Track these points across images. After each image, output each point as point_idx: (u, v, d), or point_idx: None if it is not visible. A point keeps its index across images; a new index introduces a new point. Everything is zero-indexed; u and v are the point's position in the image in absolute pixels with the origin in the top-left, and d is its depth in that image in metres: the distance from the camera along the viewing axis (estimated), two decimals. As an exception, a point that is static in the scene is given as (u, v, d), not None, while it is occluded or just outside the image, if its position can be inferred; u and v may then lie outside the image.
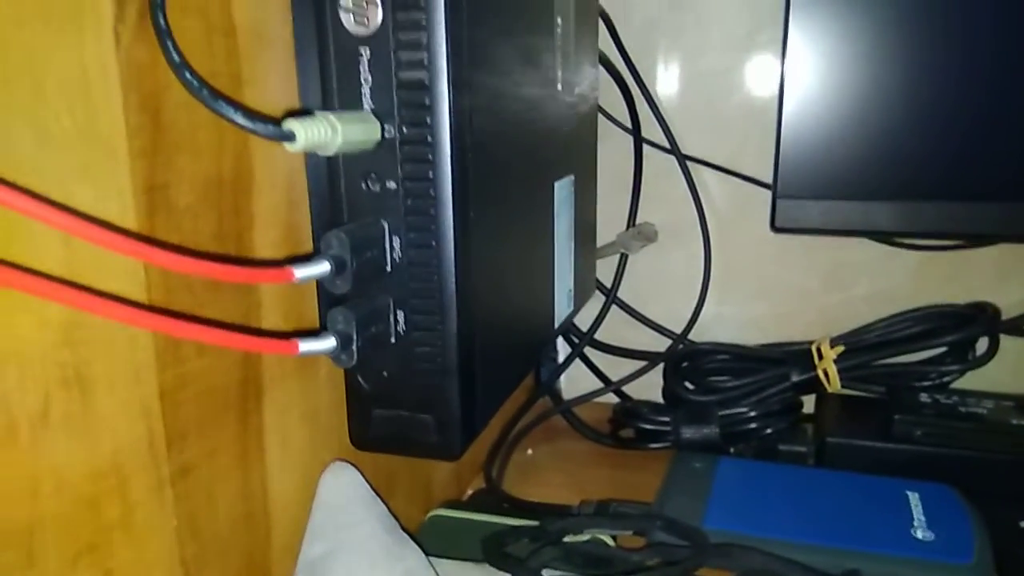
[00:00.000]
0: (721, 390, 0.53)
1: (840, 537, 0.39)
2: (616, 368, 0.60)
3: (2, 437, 0.19)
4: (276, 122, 0.22)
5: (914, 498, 0.41)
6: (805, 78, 0.47)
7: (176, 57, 0.20)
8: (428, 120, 0.26)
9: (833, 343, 0.52)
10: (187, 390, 0.25)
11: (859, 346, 0.52)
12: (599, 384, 0.60)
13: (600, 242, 0.55)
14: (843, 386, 0.51)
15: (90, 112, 0.21)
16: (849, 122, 0.47)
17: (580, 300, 0.47)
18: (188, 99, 0.24)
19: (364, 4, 0.25)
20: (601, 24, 0.53)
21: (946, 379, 0.50)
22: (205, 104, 0.21)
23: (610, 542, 0.39)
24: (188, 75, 0.20)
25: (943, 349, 0.51)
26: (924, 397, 0.48)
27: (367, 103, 0.26)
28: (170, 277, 0.24)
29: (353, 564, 0.29)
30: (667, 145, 0.58)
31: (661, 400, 0.58)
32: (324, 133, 0.23)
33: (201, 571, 0.26)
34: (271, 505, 0.30)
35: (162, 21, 0.20)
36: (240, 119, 0.21)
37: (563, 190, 0.41)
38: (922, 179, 0.46)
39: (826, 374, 0.51)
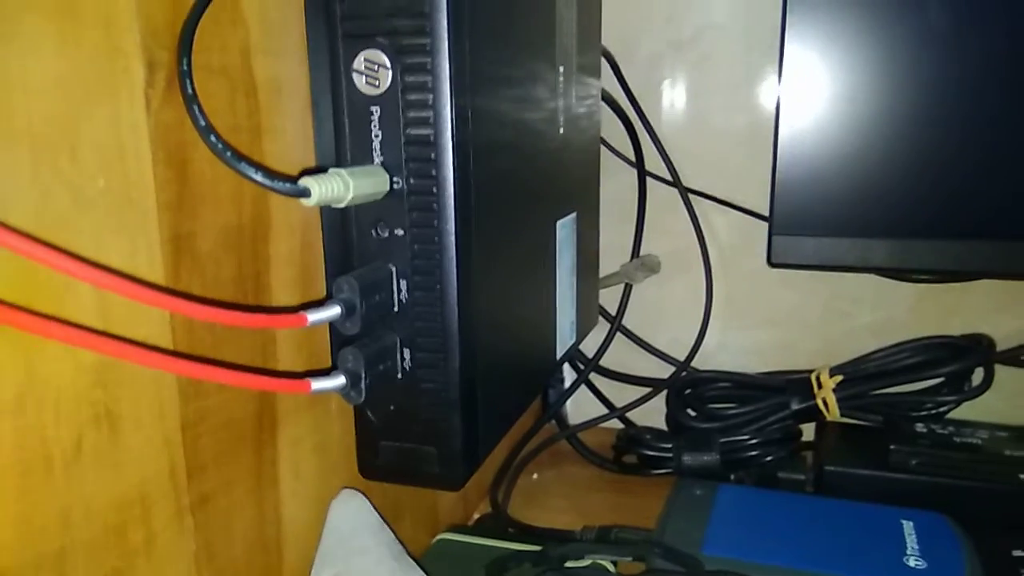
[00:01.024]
0: (722, 417, 0.54)
1: (834, 565, 0.40)
2: (620, 394, 0.62)
3: (39, 471, 0.21)
4: (293, 180, 0.24)
5: (908, 526, 0.42)
6: (800, 117, 0.49)
7: (202, 122, 0.22)
8: (433, 172, 0.27)
9: (832, 372, 0.53)
10: (207, 423, 0.27)
11: (858, 375, 0.53)
12: (604, 410, 0.62)
13: (605, 272, 0.57)
14: (842, 415, 0.52)
15: (122, 172, 0.23)
16: (844, 160, 0.48)
17: (583, 331, 0.49)
18: (211, 154, 0.26)
19: (375, 67, 0.27)
20: (604, 62, 0.55)
21: (942, 409, 0.51)
22: (228, 165, 0.23)
23: (611, 567, 0.40)
24: (213, 139, 0.22)
25: (940, 380, 0.52)
26: (920, 427, 0.49)
27: (377, 156, 0.28)
28: (193, 322, 0.26)
29: (361, 588, 0.30)
30: (669, 178, 0.59)
31: (664, 426, 0.59)
32: (337, 189, 0.24)
33: (218, 594, 0.28)
34: (284, 532, 0.31)
35: (189, 89, 0.22)
36: (260, 178, 0.22)
37: (565, 228, 0.42)
38: (916, 217, 0.48)
39: (825, 403, 0.52)
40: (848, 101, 0.48)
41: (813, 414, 0.53)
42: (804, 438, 0.55)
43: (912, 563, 0.39)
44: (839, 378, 0.52)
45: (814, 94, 0.48)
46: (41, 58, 0.21)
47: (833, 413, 0.52)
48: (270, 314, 0.23)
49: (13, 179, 0.20)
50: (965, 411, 0.51)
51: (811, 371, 0.54)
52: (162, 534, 0.25)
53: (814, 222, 0.48)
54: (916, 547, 0.40)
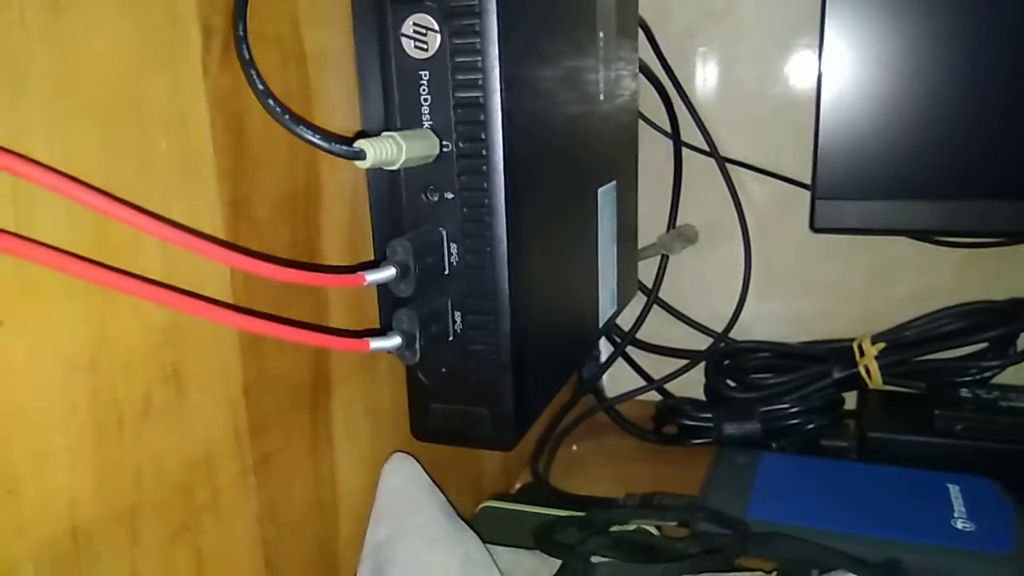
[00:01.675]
0: (763, 387, 0.54)
1: (881, 527, 0.40)
2: (658, 367, 0.62)
3: (112, 428, 0.22)
4: (348, 142, 0.24)
5: (954, 490, 0.42)
6: (842, 79, 0.48)
7: (260, 86, 0.23)
8: (483, 135, 0.28)
9: (874, 340, 0.52)
10: (267, 385, 0.27)
11: (900, 343, 0.52)
12: (641, 382, 0.62)
13: (641, 244, 0.57)
14: (884, 382, 0.52)
15: (183, 137, 0.23)
16: (887, 122, 0.48)
17: (623, 300, 0.49)
18: (265, 119, 0.26)
19: (424, 31, 0.27)
20: (640, 32, 0.54)
21: (987, 374, 0.50)
22: (287, 128, 0.23)
23: (655, 532, 0.40)
24: (271, 102, 0.22)
25: (984, 345, 0.51)
26: (965, 392, 0.49)
27: (426, 121, 0.28)
28: (252, 282, 0.26)
29: (415, 547, 0.31)
30: (706, 148, 0.59)
31: (703, 398, 0.59)
32: (390, 151, 0.25)
33: (279, 552, 0.29)
34: (339, 492, 0.32)
35: (246, 53, 0.23)
36: (318, 140, 0.23)
37: (606, 195, 0.42)
38: (962, 177, 0.47)
39: (867, 370, 0.52)
40: (889, 63, 0.47)
41: (855, 382, 0.52)
42: (846, 407, 0.54)
43: (960, 525, 0.39)
44: (881, 345, 0.52)
45: (854, 58, 0.47)
46: (105, 27, 0.21)
47: (876, 380, 0.52)
48: (329, 273, 0.24)
49: (84, 144, 0.21)
50: (1010, 375, 0.51)
51: (852, 339, 0.54)
52: (227, 492, 0.26)
53: (857, 186, 0.48)
54: (963, 510, 0.40)
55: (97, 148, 0.21)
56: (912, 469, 0.45)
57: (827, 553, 0.37)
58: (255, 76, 0.23)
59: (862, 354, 0.52)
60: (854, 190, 0.48)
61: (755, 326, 0.61)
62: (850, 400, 0.55)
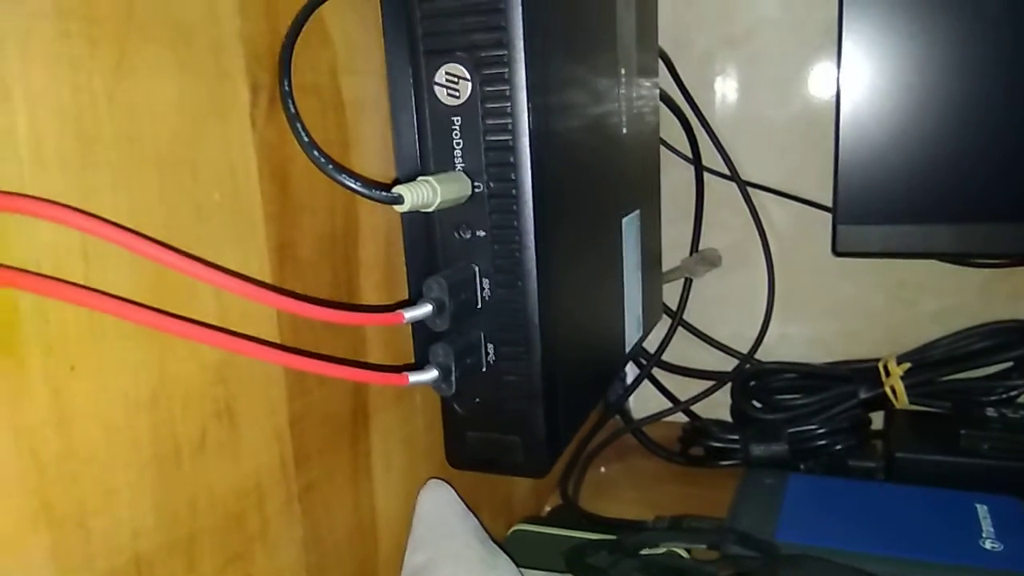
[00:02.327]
0: (789, 408, 0.55)
1: (910, 548, 0.40)
2: (683, 388, 0.63)
3: (171, 462, 0.23)
4: (387, 188, 0.25)
5: (982, 510, 0.42)
6: (860, 102, 0.49)
7: (306, 138, 0.24)
8: (512, 176, 0.29)
9: (900, 360, 0.53)
10: (311, 418, 0.29)
11: (925, 362, 0.53)
12: (667, 404, 0.62)
13: (665, 267, 0.58)
14: (911, 402, 0.52)
15: (233, 186, 0.25)
16: (907, 145, 0.48)
17: (649, 324, 0.50)
18: (308, 167, 0.28)
19: (456, 80, 0.28)
20: (660, 61, 0.56)
21: (1013, 393, 0.50)
22: (331, 177, 0.24)
23: (685, 555, 0.41)
24: (316, 153, 0.24)
25: (1009, 364, 0.51)
26: (991, 411, 0.49)
27: (459, 163, 0.30)
28: (297, 321, 0.28)
29: (452, 572, 0.32)
30: (727, 172, 0.60)
31: (729, 419, 0.60)
32: (426, 195, 0.26)
33: (323, 577, 0.30)
34: (378, 519, 0.33)
35: (292, 107, 0.24)
36: (360, 188, 0.24)
37: (630, 224, 0.44)
38: (981, 201, 0.48)
39: (893, 391, 0.52)
40: (907, 87, 0.48)
41: (881, 402, 0.53)
42: (873, 427, 0.55)
43: (988, 545, 0.39)
44: (907, 366, 0.52)
45: (873, 82, 0.48)
46: (163, 85, 0.23)
47: (902, 401, 0.52)
48: (370, 313, 0.25)
49: (145, 197, 0.22)
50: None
51: (877, 360, 0.54)
52: (275, 520, 0.27)
53: (878, 210, 0.49)
54: (992, 530, 0.41)
55: (156, 201, 0.22)
56: (940, 489, 0.45)
57: (857, 575, 0.37)
58: (301, 129, 0.24)
59: (888, 374, 0.53)
60: (875, 214, 0.49)
61: (779, 347, 0.62)
62: (876, 421, 0.55)
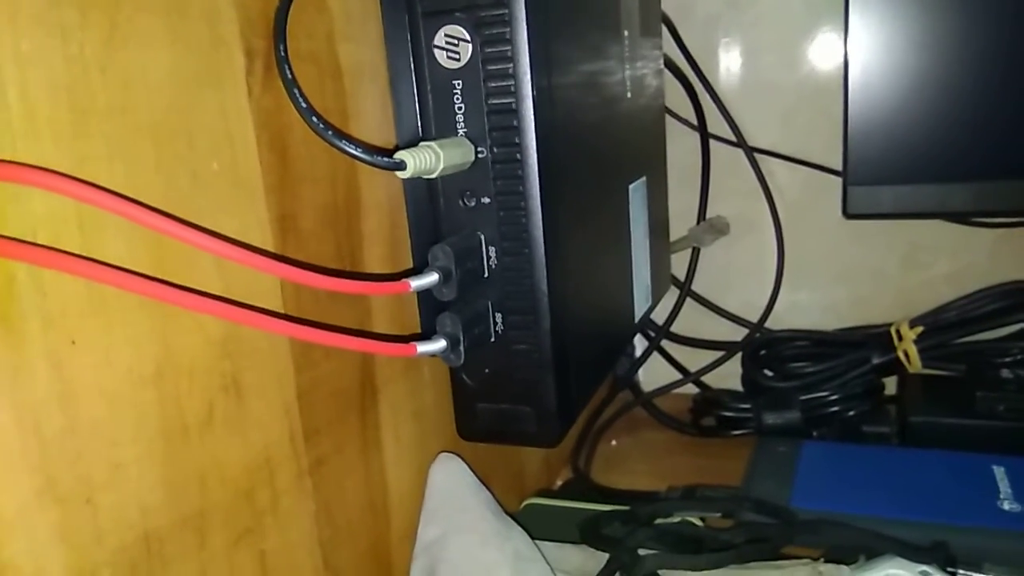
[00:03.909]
0: (801, 376, 0.54)
1: (927, 511, 0.40)
2: (693, 359, 0.62)
3: (178, 437, 0.23)
4: (389, 154, 0.25)
5: (999, 472, 0.42)
6: (869, 62, 0.48)
7: (304, 104, 0.24)
8: (516, 140, 0.28)
9: (912, 324, 0.52)
10: (318, 391, 0.28)
11: (938, 325, 0.52)
12: (676, 376, 0.62)
13: (672, 237, 0.57)
14: (924, 366, 0.52)
15: (232, 156, 0.24)
16: (917, 104, 0.48)
17: (657, 294, 0.49)
18: (307, 136, 0.27)
19: (456, 42, 0.28)
20: (663, 26, 0.55)
21: (1028, 354, 0.50)
22: (330, 143, 0.24)
23: (699, 524, 0.41)
24: (315, 119, 0.23)
25: (1023, 325, 0.51)
26: (1006, 373, 0.49)
27: (461, 128, 0.29)
28: (300, 293, 0.27)
29: (466, 544, 0.32)
30: (733, 139, 0.59)
31: (740, 389, 0.59)
32: (429, 160, 0.26)
33: (336, 552, 0.30)
34: (389, 492, 0.33)
35: (288, 73, 0.24)
36: (361, 154, 0.24)
37: (637, 191, 0.43)
38: (994, 157, 0.47)
39: (906, 355, 0.52)
40: (916, 44, 0.47)
41: (894, 367, 0.52)
42: (886, 392, 0.54)
43: (1007, 507, 0.39)
44: (919, 329, 0.52)
45: (881, 40, 0.47)
46: (156, 54, 0.22)
47: (915, 365, 0.51)
48: (375, 282, 0.25)
49: (141, 167, 0.22)
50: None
51: (890, 325, 0.54)
52: (285, 495, 0.27)
53: (889, 170, 0.48)
54: (1009, 491, 0.40)
55: (153, 171, 0.22)
56: (956, 452, 0.44)
57: (875, 539, 0.37)
58: (298, 95, 0.24)
59: (900, 339, 0.52)
60: (886, 175, 0.48)
61: (790, 315, 0.61)
62: (890, 386, 0.55)
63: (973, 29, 0.46)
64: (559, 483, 0.53)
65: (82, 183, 0.18)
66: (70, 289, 0.20)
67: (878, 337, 0.54)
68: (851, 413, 0.52)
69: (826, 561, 0.36)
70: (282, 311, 0.26)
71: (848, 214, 0.49)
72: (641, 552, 0.37)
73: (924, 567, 0.34)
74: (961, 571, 0.35)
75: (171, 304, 0.21)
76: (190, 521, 0.23)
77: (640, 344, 0.64)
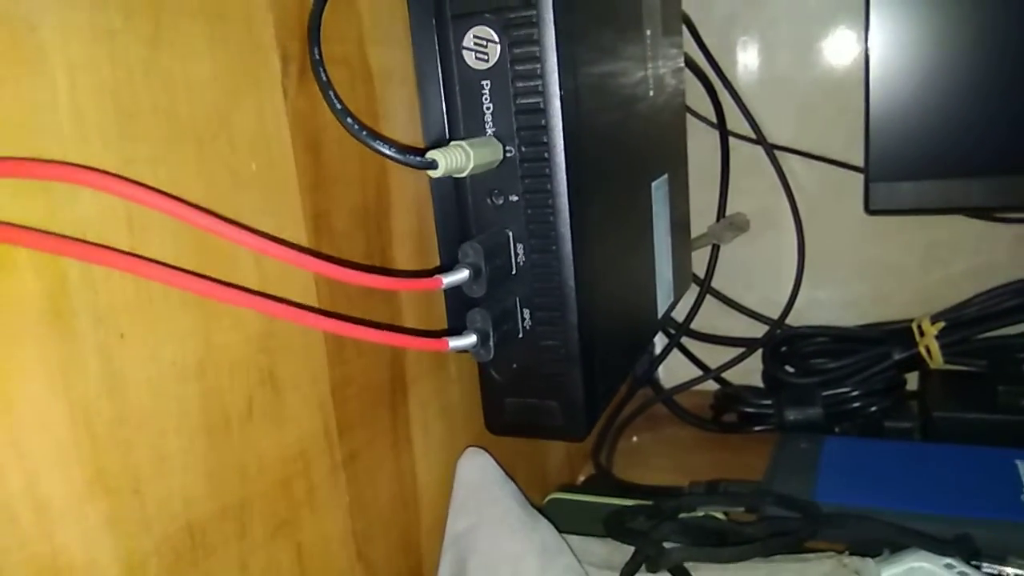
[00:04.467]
0: (822, 372, 0.54)
1: (950, 505, 0.40)
2: (713, 356, 0.62)
3: (220, 430, 0.24)
4: (420, 153, 0.25)
5: (1022, 466, 0.42)
6: (889, 58, 0.48)
7: (339, 105, 0.24)
8: (544, 139, 0.29)
9: (933, 320, 0.52)
10: (351, 387, 0.29)
11: (959, 321, 0.52)
12: (696, 373, 0.62)
13: (692, 234, 0.58)
14: (946, 361, 0.52)
15: (269, 157, 0.25)
16: (938, 99, 0.48)
17: (679, 290, 0.49)
18: (339, 137, 0.28)
19: (484, 43, 0.28)
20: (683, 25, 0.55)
21: (1050, 349, 0.50)
22: (365, 143, 0.24)
23: (723, 518, 0.41)
24: (350, 120, 0.24)
25: (1046, 319, 0.51)
26: (1029, 367, 0.49)
27: (489, 128, 0.30)
28: (335, 290, 0.28)
29: (495, 535, 0.32)
30: (752, 136, 0.59)
31: (760, 385, 0.59)
32: (459, 159, 0.26)
33: (368, 544, 0.30)
34: (419, 486, 0.34)
35: (323, 76, 0.24)
36: (394, 154, 0.24)
37: (659, 188, 0.43)
38: (1016, 152, 0.47)
39: (928, 351, 0.52)
40: (937, 40, 0.47)
41: (916, 363, 0.52)
42: (908, 388, 0.54)
43: (1031, 500, 0.39)
44: (941, 325, 0.52)
45: (902, 36, 0.47)
46: (197, 57, 0.23)
47: (937, 360, 0.52)
48: (408, 278, 0.25)
49: (183, 168, 0.22)
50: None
51: (910, 321, 0.54)
52: (321, 488, 0.28)
53: (910, 166, 0.48)
54: (1033, 485, 0.40)
55: (195, 172, 0.23)
56: (978, 447, 0.44)
57: (899, 532, 0.37)
58: (334, 97, 0.24)
59: (922, 334, 0.52)
60: (907, 170, 0.48)
61: (810, 312, 0.61)
62: (911, 382, 0.55)
63: (993, 23, 0.46)
64: (581, 479, 0.54)
65: (133, 183, 0.19)
66: (118, 286, 0.20)
67: (899, 333, 0.54)
68: (873, 409, 0.52)
69: (851, 555, 0.37)
70: (316, 306, 0.27)
71: (870, 210, 0.50)
72: (666, 545, 0.37)
73: (948, 560, 0.35)
74: (985, 564, 0.35)
75: (215, 300, 0.22)
76: (231, 512, 0.24)
77: (660, 341, 0.64)
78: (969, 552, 0.35)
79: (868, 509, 0.39)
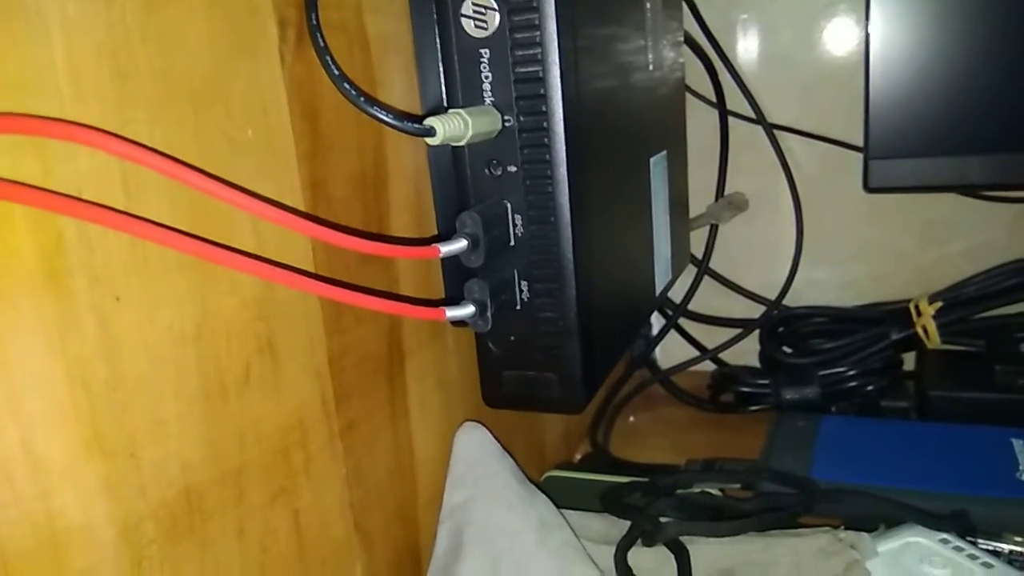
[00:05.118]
0: (820, 352, 0.54)
1: (946, 482, 0.40)
2: (710, 337, 0.62)
3: (217, 396, 0.23)
4: (418, 120, 0.25)
5: (1019, 444, 0.42)
6: (890, 36, 0.48)
7: (336, 71, 0.24)
8: (543, 108, 0.29)
9: (931, 300, 0.52)
10: (348, 357, 0.29)
11: (957, 301, 0.52)
12: (693, 354, 0.62)
13: (691, 214, 0.57)
14: (943, 341, 0.52)
15: (266, 123, 0.25)
16: (938, 77, 0.47)
17: (677, 269, 0.49)
18: (337, 104, 0.28)
19: (483, 10, 0.28)
20: (683, 3, 0.55)
21: (1047, 328, 0.50)
22: (362, 109, 0.24)
23: (719, 495, 0.41)
24: (347, 86, 0.24)
25: (1044, 299, 0.51)
26: (1025, 347, 0.49)
27: (488, 97, 0.29)
28: (332, 257, 0.28)
29: (492, 509, 0.32)
30: (751, 115, 0.59)
31: (757, 366, 0.59)
32: (458, 127, 0.26)
33: (365, 514, 0.30)
34: (416, 459, 0.34)
35: (321, 41, 0.24)
36: (391, 120, 0.24)
37: (658, 164, 0.43)
38: (1014, 130, 0.47)
39: (925, 331, 0.52)
40: (938, 16, 0.47)
41: (913, 343, 0.52)
42: (905, 368, 0.55)
43: (1026, 478, 0.39)
44: (938, 305, 0.52)
45: (902, 13, 0.47)
46: (194, 20, 0.23)
47: (934, 340, 0.52)
48: (407, 246, 0.25)
49: (180, 130, 0.22)
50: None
51: (908, 301, 0.54)
52: (318, 457, 0.28)
53: (910, 143, 0.48)
54: (1029, 463, 0.40)
55: (191, 136, 0.22)
56: (974, 425, 0.45)
57: (895, 507, 0.37)
58: (331, 62, 0.24)
59: (919, 314, 0.52)
60: (907, 148, 0.48)
61: (808, 292, 0.61)
62: (908, 362, 0.55)
63: (993, 1, 0.46)
64: (578, 457, 0.54)
65: (132, 143, 0.19)
66: (114, 247, 0.20)
67: (897, 313, 0.54)
68: (870, 388, 0.52)
69: (846, 530, 0.37)
70: (314, 273, 0.27)
71: (869, 188, 0.49)
72: (662, 520, 0.37)
73: (944, 535, 0.35)
74: (981, 540, 0.35)
75: (211, 262, 0.21)
76: (228, 478, 0.24)
77: (658, 322, 0.64)
78: (965, 528, 0.35)
79: (864, 487, 0.40)
